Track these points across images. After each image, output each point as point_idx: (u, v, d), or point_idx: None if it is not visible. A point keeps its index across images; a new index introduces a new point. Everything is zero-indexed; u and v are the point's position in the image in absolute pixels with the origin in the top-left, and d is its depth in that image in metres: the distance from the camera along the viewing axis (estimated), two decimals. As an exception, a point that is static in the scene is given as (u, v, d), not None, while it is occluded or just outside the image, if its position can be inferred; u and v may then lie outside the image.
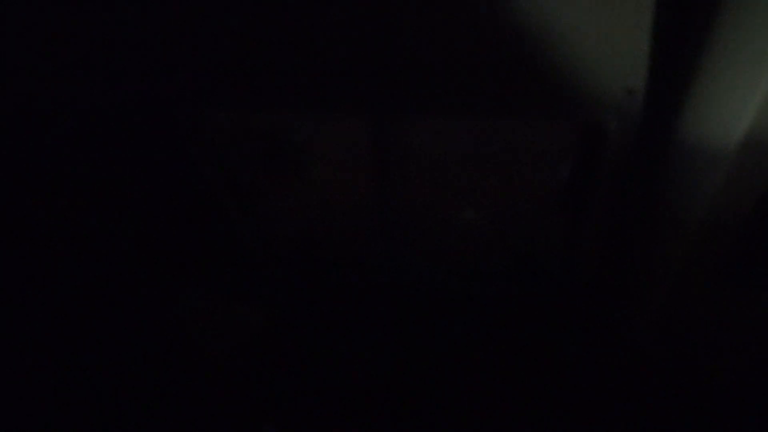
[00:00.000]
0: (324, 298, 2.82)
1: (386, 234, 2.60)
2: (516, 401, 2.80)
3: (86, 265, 2.75)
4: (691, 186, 1.79)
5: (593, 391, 2.75)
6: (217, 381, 2.90)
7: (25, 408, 2.85)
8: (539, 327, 2.79)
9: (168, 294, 2.85)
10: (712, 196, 1.73)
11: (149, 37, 1.64)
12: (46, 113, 1.98)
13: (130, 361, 2.98)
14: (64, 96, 1.87)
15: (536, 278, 2.61)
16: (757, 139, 1.51)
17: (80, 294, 2.91)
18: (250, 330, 2.89)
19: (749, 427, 2.55)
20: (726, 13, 1.38)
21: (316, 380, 2.87)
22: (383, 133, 2.20)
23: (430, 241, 2.61)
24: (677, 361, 2.69)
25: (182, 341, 2.90)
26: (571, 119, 1.86)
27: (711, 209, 1.77)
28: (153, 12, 1.56)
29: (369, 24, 1.53)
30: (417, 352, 2.87)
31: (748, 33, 1.38)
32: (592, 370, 2.79)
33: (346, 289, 2.76)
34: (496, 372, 2.82)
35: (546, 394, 2.80)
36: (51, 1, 1.56)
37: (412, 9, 1.49)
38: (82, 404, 2.87)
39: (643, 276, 2.29)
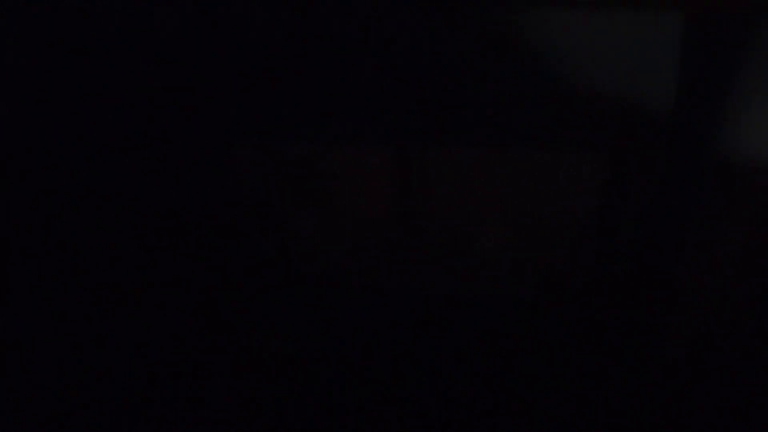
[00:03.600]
0: (348, 326, 2.82)
1: (409, 262, 2.60)
2: (546, 426, 2.75)
3: (113, 289, 2.79)
4: (726, 212, 1.77)
5: (620, 415, 2.70)
6: (242, 408, 2.90)
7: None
8: (564, 356, 2.76)
9: (192, 321, 2.87)
10: (749, 222, 1.70)
11: (180, 72, 1.68)
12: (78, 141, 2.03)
13: (152, 385, 2.99)
14: (94, 126, 1.92)
15: (562, 308, 2.59)
16: None
17: (105, 317, 2.94)
18: (274, 357, 2.89)
19: None
20: (759, 44, 1.37)
21: (339, 405, 2.86)
22: (408, 163, 2.21)
23: (455, 269, 2.61)
24: (707, 383, 2.64)
25: (207, 369, 2.91)
26: (597, 149, 1.85)
27: (748, 236, 1.74)
28: (186, 47, 1.60)
29: (394, 55, 1.56)
30: (441, 380, 2.85)
31: None
32: (618, 392, 2.75)
33: (370, 317, 2.75)
34: (520, 400, 2.79)
35: (574, 418, 2.76)
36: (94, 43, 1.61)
37: (438, 41, 1.51)
38: (105, 423, 2.88)
39: (676, 303, 2.25)
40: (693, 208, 1.86)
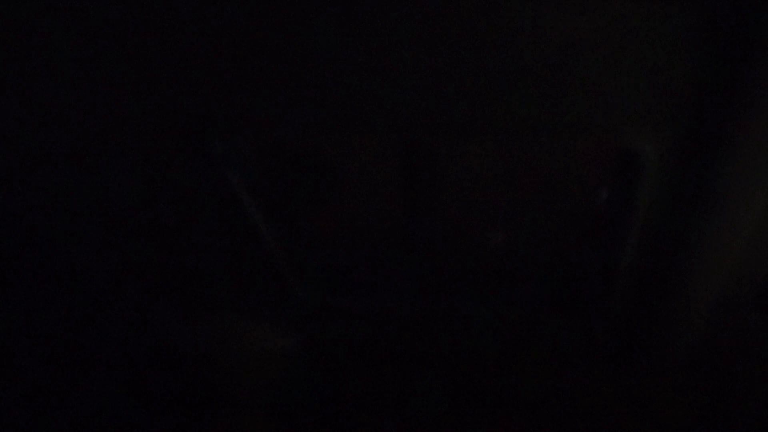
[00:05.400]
0: (356, 322, 2.80)
1: (417, 256, 2.58)
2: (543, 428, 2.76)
3: (114, 290, 2.76)
4: (736, 215, 1.74)
5: (618, 418, 2.71)
6: (251, 408, 2.89)
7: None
8: (568, 352, 2.75)
9: (202, 321, 2.84)
10: (759, 226, 1.67)
11: (179, 63, 1.64)
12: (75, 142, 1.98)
13: (160, 385, 2.98)
14: (93, 118, 1.88)
15: (567, 303, 2.58)
16: None
17: (105, 319, 2.92)
18: (285, 355, 2.87)
19: None
20: None
21: (349, 405, 2.86)
22: (414, 153, 2.18)
23: (461, 263, 2.59)
24: (706, 390, 2.65)
25: (215, 368, 2.89)
26: (606, 142, 1.81)
27: (755, 239, 1.72)
28: (184, 36, 1.55)
29: (399, 43, 1.51)
30: (448, 378, 2.84)
31: None
32: (618, 395, 2.75)
33: (378, 313, 2.74)
34: (524, 402, 2.79)
35: (573, 421, 2.76)
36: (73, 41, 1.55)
37: (444, 30, 1.46)
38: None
39: (678, 304, 2.24)
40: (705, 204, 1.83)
